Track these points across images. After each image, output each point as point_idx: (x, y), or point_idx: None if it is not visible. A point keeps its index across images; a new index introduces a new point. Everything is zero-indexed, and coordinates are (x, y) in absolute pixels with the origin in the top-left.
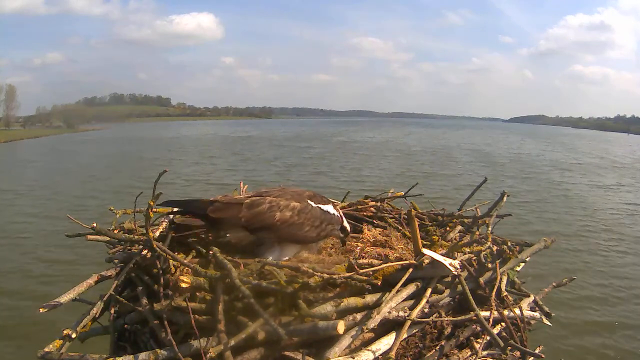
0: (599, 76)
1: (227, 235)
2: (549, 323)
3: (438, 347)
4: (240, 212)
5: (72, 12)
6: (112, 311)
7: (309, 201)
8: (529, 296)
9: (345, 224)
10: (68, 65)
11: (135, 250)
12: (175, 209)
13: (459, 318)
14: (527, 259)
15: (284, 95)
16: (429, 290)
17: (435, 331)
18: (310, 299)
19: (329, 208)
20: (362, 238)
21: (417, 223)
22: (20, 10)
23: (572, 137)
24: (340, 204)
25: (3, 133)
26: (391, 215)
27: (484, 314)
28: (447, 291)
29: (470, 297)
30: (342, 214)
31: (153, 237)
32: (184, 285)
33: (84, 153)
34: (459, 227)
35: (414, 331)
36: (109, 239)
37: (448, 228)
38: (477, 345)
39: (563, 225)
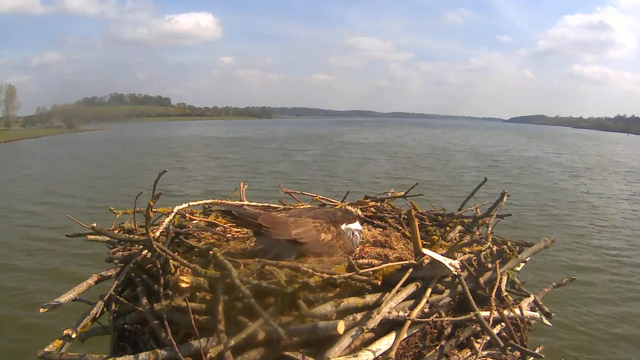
0: (599, 76)
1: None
2: (549, 323)
3: (438, 347)
4: (290, 227)
5: (68, 11)
6: (112, 311)
7: (342, 226)
8: (529, 296)
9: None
10: (67, 65)
11: (135, 250)
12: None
13: (459, 318)
14: (527, 259)
15: (284, 95)
16: (429, 290)
17: (435, 331)
18: (310, 299)
19: (357, 225)
20: (362, 238)
21: (417, 223)
22: (17, 9)
23: (574, 138)
24: (340, 204)
25: (3, 133)
26: (391, 215)
27: (484, 314)
28: (447, 291)
29: (470, 297)
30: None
31: (153, 237)
32: (184, 285)
33: (66, 155)
34: (459, 227)
35: (414, 331)
36: (109, 239)
37: (448, 228)
38: (477, 345)
39: (568, 229)
